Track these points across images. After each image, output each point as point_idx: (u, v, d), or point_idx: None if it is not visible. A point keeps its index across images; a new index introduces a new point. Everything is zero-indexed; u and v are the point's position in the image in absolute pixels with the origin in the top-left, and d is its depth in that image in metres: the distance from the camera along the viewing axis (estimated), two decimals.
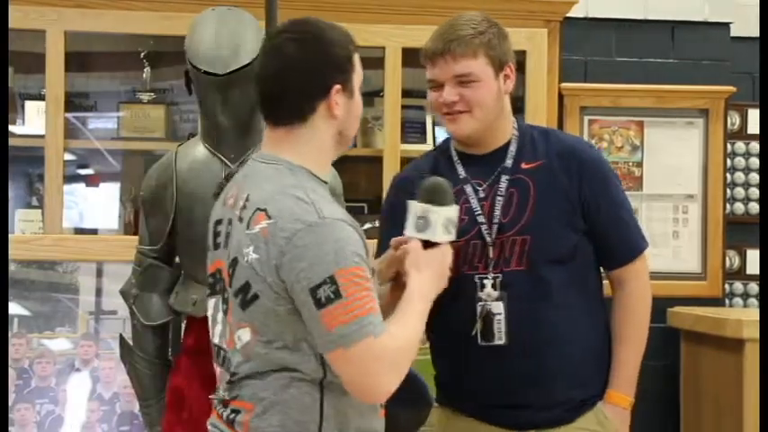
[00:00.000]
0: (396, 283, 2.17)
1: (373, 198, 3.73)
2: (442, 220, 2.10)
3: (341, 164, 2.35)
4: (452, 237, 2.12)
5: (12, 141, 3.35)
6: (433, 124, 4.02)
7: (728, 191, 4.18)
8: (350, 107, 2.07)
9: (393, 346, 1.91)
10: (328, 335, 1.88)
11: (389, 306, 2.04)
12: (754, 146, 4.24)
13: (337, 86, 2.04)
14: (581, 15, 3.97)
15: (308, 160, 2.02)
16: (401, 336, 1.94)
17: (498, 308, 2.32)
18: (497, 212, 2.35)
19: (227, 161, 2.73)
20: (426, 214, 2.09)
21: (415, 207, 2.12)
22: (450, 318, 2.31)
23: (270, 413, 1.96)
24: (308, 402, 1.96)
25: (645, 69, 4.05)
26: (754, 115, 4.21)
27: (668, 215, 4.04)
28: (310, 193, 1.95)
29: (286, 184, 1.96)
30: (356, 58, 2.10)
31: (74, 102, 3.86)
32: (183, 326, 2.89)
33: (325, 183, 2.05)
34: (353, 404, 1.97)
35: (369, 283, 1.90)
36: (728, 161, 4.17)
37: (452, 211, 2.13)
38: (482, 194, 2.37)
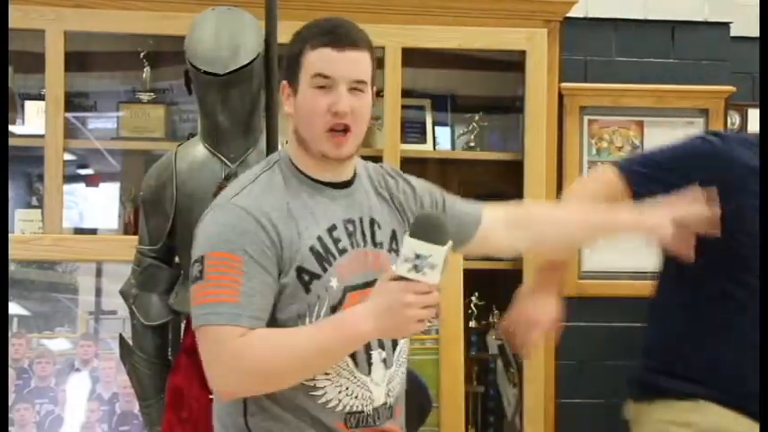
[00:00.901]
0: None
1: None
2: (439, 260, 1.84)
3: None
4: (441, 279, 1.86)
5: (11, 141, 3.34)
6: (433, 124, 4.02)
7: None
8: (296, 104, 1.99)
9: (237, 347, 1.86)
10: (192, 310, 1.93)
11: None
12: None
13: (284, 83, 2.02)
14: (581, 15, 3.97)
15: (291, 149, 2.03)
16: (259, 346, 1.86)
17: None
18: None
19: (226, 161, 2.73)
20: (424, 254, 1.83)
21: (410, 243, 1.84)
22: None
23: None
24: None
25: (645, 69, 4.05)
26: (754, 115, 4.21)
27: None
28: (254, 175, 1.99)
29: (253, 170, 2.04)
30: (308, 54, 1.95)
31: (73, 101, 3.86)
32: (183, 326, 2.89)
33: (311, 178, 2.00)
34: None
35: (236, 273, 1.86)
36: None
37: (444, 252, 1.84)
38: None
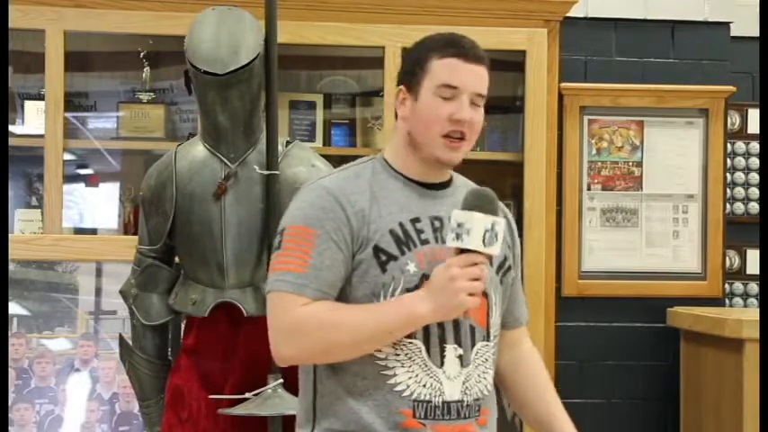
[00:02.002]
0: None
1: None
2: (477, 227, 1.91)
3: (342, 164, 2.34)
4: (485, 249, 1.92)
5: (11, 141, 3.35)
6: None
7: (728, 191, 4.18)
8: (414, 108, 2.07)
9: (298, 315, 1.95)
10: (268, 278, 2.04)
11: None
12: (754, 146, 4.24)
13: (401, 87, 2.09)
14: (581, 15, 3.97)
15: (389, 152, 2.12)
16: (320, 317, 1.96)
17: None
18: None
19: (226, 161, 2.73)
20: (463, 221, 1.92)
21: (454, 215, 1.94)
22: None
23: None
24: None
25: (645, 69, 4.05)
26: (754, 115, 4.21)
27: (668, 215, 4.04)
28: (345, 167, 2.11)
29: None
30: (434, 63, 2.05)
31: (73, 102, 3.85)
32: (183, 326, 2.89)
33: (404, 176, 2.08)
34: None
35: (309, 246, 1.96)
36: (728, 161, 4.17)
37: (490, 221, 1.92)
38: None
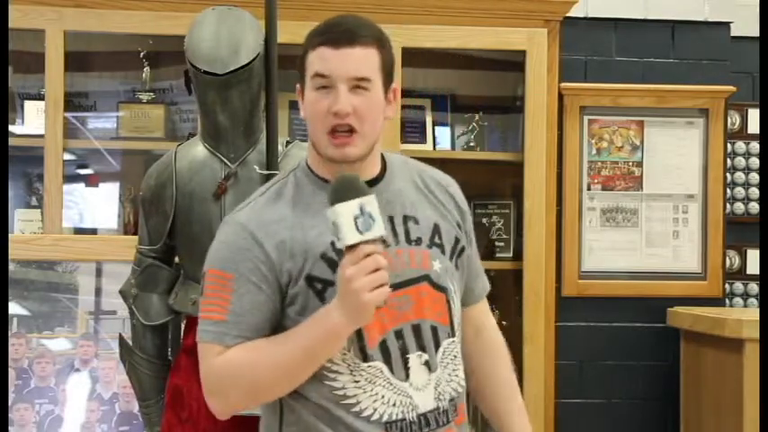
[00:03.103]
0: None
1: None
2: (344, 219, 1.76)
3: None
4: (364, 236, 1.76)
5: (11, 141, 3.35)
6: (433, 124, 4.02)
7: (728, 191, 4.18)
8: (304, 107, 1.95)
9: (216, 364, 1.86)
10: None
11: None
12: (755, 145, 4.24)
13: (298, 87, 1.98)
14: (581, 15, 3.97)
15: (310, 156, 1.99)
16: (237, 360, 1.85)
17: None
18: None
19: (226, 161, 2.73)
20: (333, 218, 1.77)
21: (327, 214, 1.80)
22: None
23: None
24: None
25: (645, 69, 4.05)
26: (754, 115, 4.21)
27: (668, 215, 4.04)
28: (267, 186, 1.99)
29: None
30: (309, 55, 1.91)
31: (73, 101, 3.85)
32: (183, 326, 2.89)
33: (326, 181, 1.93)
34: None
35: (227, 291, 1.86)
36: (728, 161, 4.17)
37: (354, 206, 1.76)
38: None
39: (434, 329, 1.94)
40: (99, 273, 3.64)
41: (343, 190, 1.78)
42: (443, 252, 1.97)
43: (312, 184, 1.95)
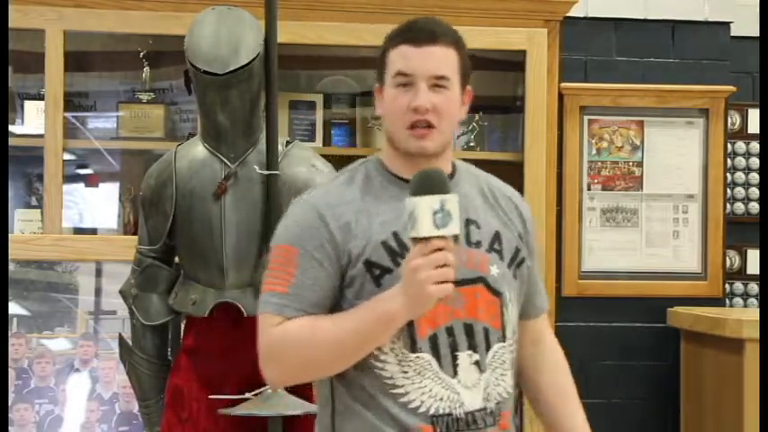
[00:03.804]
0: None
1: None
2: (423, 212, 1.80)
3: (342, 164, 2.34)
4: (440, 231, 1.80)
5: (11, 141, 3.34)
6: None
7: (729, 191, 4.18)
8: (383, 104, 2.00)
9: (274, 336, 1.91)
10: None
11: None
12: (755, 145, 4.24)
13: (377, 86, 2.03)
14: (581, 15, 3.97)
15: (383, 153, 2.04)
16: (293, 334, 1.90)
17: None
18: None
19: (226, 161, 2.73)
20: (411, 209, 1.81)
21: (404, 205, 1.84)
22: None
23: None
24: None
25: (645, 69, 4.05)
26: (754, 115, 4.21)
27: (668, 215, 4.04)
28: (341, 171, 2.04)
29: None
30: (390, 54, 1.98)
31: (73, 101, 3.85)
32: (183, 326, 2.89)
33: (398, 176, 1.98)
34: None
35: (292, 265, 1.91)
36: (729, 161, 4.17)
37: (435, 201, 1.80)
38: None
39: (486, 331, 1.96)
40: (99, 273, 3.64)
41: (428, 183, 1.81)
42: (502, 258, 2.00)
43: (382, 177, 2.00)
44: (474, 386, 1.94)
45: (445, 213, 1.80)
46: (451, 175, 2.03)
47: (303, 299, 1.91)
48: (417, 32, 1.97)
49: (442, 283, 1.80)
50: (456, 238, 1.83)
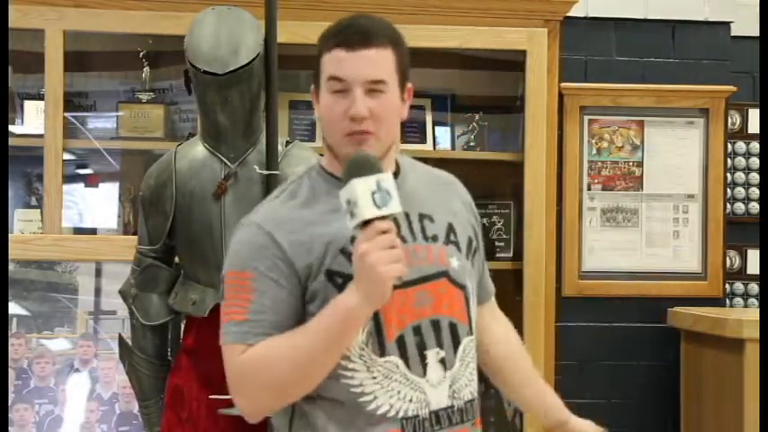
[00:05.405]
0: None
1: None
2: (361, 194, 1.74)
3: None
4: (382, 211, 1.74)
5: (11, 141, 3.34)
6: (433, 124, 4.01)
7: (729, 191, 4.18)
8: (319, 109, 1.94)
9: (239, 365, 1.84)
10: None
11: None
12: (755, 145, 4.25)
13: (312, 87, 1.96)
14: (581, 15, 3.97)
15: (324, 158, 1.99)
16: (258, 358, 1.82)
17: None
18: None
19: (226, 161, 2.73)
20: (348, 196, 1.76)
21: (340, 195, 1.79)
22: None
23: None
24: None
25: (645, 69, 4.05)
26: (754, 115, 4.21)
27: (668, 215, 4.04)
28: (280, 189, 1.98)
29: None
30: (324, 57, 1.89)
31: (73, 101, 3.85)
32: (183, 326, 2.89)
33: (334, 177, 1.93)
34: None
35: (247, 290, 1.84)
36: (729, 161, 4.17)
37: (371, 182, 1.75)
38: None
39: (453, 326, 1.93)
40: (99, 273, 3.64)
41: (360, 167, 1.76)
42: (460, 250, 1.97)
43: (328, 184, 1.93)
44: (439, 384, 1.90)
45: (384, 192, 1.75)
46: (396, 174, 1.96)
47: (264, 322, 1.84)
48: (351, 35, 1.86)
49: (395, 263, 1.74)
50: (396, 220, 1.78)
